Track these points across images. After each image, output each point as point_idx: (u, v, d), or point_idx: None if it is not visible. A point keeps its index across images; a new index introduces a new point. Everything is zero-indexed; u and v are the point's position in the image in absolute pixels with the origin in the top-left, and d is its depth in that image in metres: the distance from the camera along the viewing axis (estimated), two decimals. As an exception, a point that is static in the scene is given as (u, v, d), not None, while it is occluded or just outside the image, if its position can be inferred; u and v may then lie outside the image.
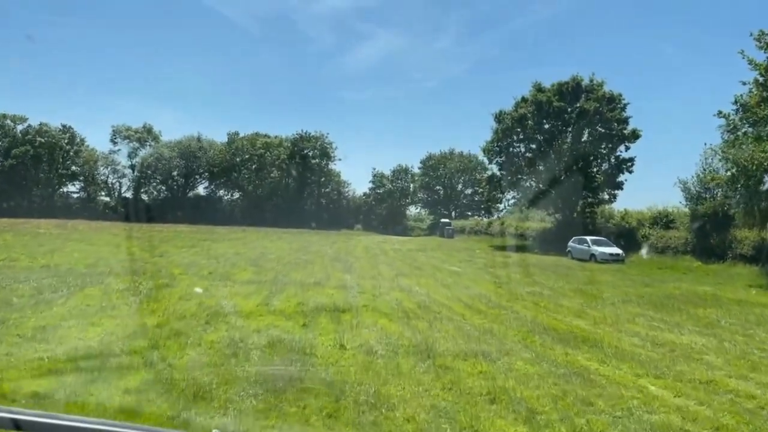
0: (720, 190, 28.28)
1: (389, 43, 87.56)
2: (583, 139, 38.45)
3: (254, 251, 25.45)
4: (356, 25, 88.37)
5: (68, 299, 10.37)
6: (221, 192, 68.61)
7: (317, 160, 66.50)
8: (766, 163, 20.70)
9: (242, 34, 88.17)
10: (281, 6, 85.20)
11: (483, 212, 60.01)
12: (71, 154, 63.14)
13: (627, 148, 37.52)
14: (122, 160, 65.37)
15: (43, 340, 7.14)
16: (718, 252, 26.17)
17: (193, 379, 5.55)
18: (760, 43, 20.68)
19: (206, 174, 65.90)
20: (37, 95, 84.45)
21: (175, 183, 66.22)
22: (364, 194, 70.66)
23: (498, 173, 42.67)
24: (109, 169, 65.48)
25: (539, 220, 46.86)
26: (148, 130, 66.70)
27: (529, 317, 10.69)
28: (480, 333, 8.97)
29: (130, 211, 53.43)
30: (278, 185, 65.71)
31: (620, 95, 37.13)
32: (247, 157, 64.70)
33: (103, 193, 66.02)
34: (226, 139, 66.73)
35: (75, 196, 65.17)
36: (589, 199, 38.16)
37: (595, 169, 38.54)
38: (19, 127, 61.46)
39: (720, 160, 25.40)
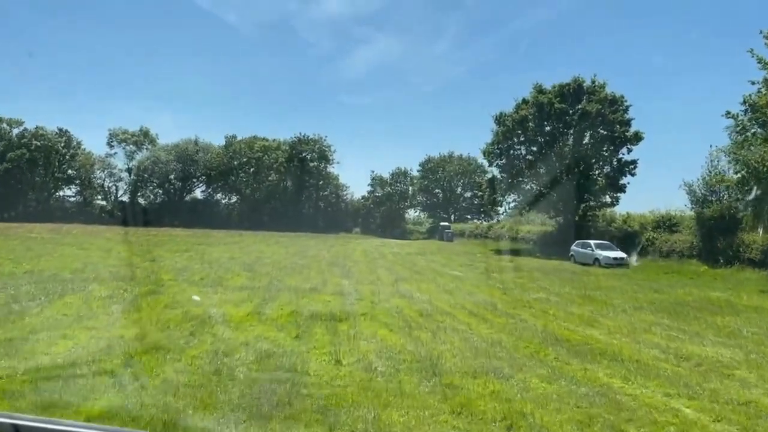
0: (726, 192, 27.60)
1: (388, 47, 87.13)
2: (584, 142, 37.80)
3: (250, 255, 24.74)
4: (355, 30, 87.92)
5: (44, 308, 9.65)
6: (219, 195, 67.84)
7: (315, 163, 65.78)
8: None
9: (241, 38, 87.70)
10: (280, 10, 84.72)
11: (482, 215, 59.38)
12: (67, 157, 62.35)
13: (629, 151, 36.81)
14: (119, 163, 64.63)
15: (5, 355, 6.43)
16: (726, 256, 25.50)
17: (165, 405, 4.84)
18: (770, 41, 20.11)
19: (203, 177, 65.10)
20: (34, 98, 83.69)
21: (172, 186, 65.43)
22: (363, 197, 69.94)
23: (498, 176, 41.97)
24: (105, 172, 64.70)
25: (540, 224, 46.24)
26: (145, 134, 65.98)
27: (539, 326, 9.99)
28: (488, 345, 8.26)
29: (127, 215, 52.68)
30: (276, 188, 64.95)
31: (622, 97, 36.52)
32: (244, 160, 63.96)
33: (99, 197, 65.21)
34: (224, 143, 66.07)
35: (71, 200, 64.32)
36: (591, 203, 37.51)
37: (596, 172, 37.89)
38: (15, 131, 60.70)
39: (729, 162, 24.73)
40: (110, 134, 64.56)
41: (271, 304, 11.33)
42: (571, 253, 30.09)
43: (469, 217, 67.72)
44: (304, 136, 65.20)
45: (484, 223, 55.78)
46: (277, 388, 5.66)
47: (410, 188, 70.86)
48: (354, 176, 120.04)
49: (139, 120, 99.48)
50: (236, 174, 64.25)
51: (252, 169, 64.25)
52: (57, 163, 61.31)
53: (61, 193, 64.38)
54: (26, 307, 9.61)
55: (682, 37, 70.77)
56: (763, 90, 21.14)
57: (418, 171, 70.54)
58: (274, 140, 65.81)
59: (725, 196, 27.72)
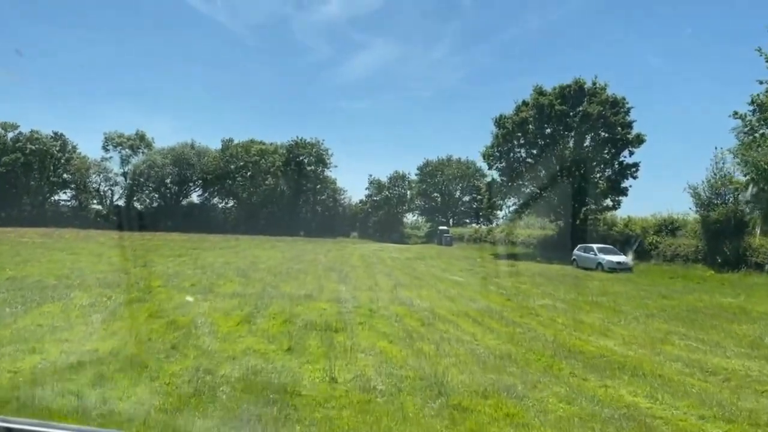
0: (732, 195, 27.05)
1: (385, 52, 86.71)
2: (585, 144, 37.26)
3: (244, 260, 24.06)
4: (352, 35, 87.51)
5: (18, 318, 8.98)
6: (215, 200, 67.11)
7: (312, 167, 65.17)
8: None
9: (238, 42, 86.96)
10: (277, 15, 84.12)
11: (481, 219, 58.78)
12: (63, 161, 61.69)
13: (631, 154, 36.28)
14: (114, 167, 63.88)
15: (-38, 374, 5.77)
16: (732, 260, 24.92)
17: (131, 436, 4.20)
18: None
19: (200, 181, 64.39)
20: (29, 102, 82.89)
21: (168, 191, 64.69)
22: (361, 201, 69.29)
23: (498, 179, 41.38)
24: (101, 176, 63.90)
25: (540, 227, 45.58)
26: (141, 137, 65.30)
27: (549, 337, 9.34)
28: (497, 358, 7.61)
29: (122, 220, 52.07)
30: (273, 192, 64.25)
31: (624, 99, 36.00)
32: (241, 164, 63.27)
33: (94, 201, 64.43)
34: (221, 146, 65.42)
35: (66, 204, 63.58)
36: (592, 206, 36.93)
37: (598, 175, 37.33)
38: (10, 135, 60.07)
39: (738, 164, 24.19)
40: (106, 138, 63.96)
41: (263, 312, 10.67)
42: (574, 257, 29.49)
43: (467, 221, 67.11)
44: (301, 140, 64.64)
45: (484, 227, 55.16)
46: (264, 411, 5.01)
47: (408, 192, 70.26)
48: (352, 180, 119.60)
49: (135, 124, 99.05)
50: (233, 178, 63.57)
51: (249, 173, 63.56)
52: (52, 167, 60.64)
53: (56, 198, 63.79)
54: (-1, 316, 8.95)
55: (682, 39, 70.42)
56: (771, 89, 20.67)
57: (416, 175, 69.99)
58: (271, 144, 65.23)
59: (731, 199, 27.16)
